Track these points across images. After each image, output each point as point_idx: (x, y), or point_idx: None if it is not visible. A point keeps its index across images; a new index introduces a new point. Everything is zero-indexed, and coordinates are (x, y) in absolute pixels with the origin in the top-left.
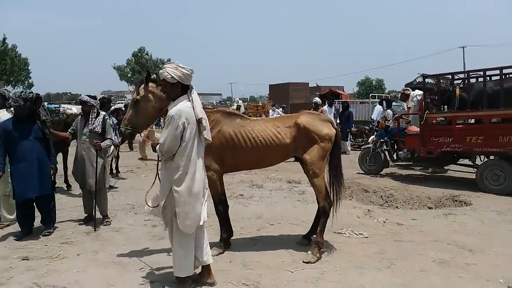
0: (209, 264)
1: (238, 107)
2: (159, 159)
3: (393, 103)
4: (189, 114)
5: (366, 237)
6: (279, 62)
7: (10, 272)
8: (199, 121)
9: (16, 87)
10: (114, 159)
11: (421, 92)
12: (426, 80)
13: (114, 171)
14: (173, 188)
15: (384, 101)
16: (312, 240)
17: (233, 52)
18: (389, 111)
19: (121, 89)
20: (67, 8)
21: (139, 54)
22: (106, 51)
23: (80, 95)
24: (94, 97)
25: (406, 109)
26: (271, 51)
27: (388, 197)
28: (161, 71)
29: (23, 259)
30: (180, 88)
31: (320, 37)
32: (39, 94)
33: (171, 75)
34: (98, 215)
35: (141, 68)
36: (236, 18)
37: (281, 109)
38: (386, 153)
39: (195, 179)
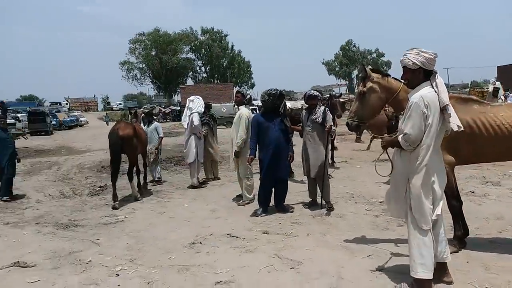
0: (446, 262)
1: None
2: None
3: None
4: (432, 101)
5: None
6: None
7: (256, 241)
8: (443, 109)
9: (241, 87)
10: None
11: None
12: None
13: (330, 161)
14: (410, 180)
15: None
16: None
17: (448, 34)
18: None
19: (329, 83)
20: (277, 9)
21: (347, 47)
22: (315, 48)
23: (292, 91)
24: (320, 92)
25: None
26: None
27: None
28: (401, 58)
29: (264, 233)
30: (423, 74)
31: None
32: (282, 91)
33: (412, 61)
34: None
35: (348, 61)
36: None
37: None
38: None
39: (434, 171)
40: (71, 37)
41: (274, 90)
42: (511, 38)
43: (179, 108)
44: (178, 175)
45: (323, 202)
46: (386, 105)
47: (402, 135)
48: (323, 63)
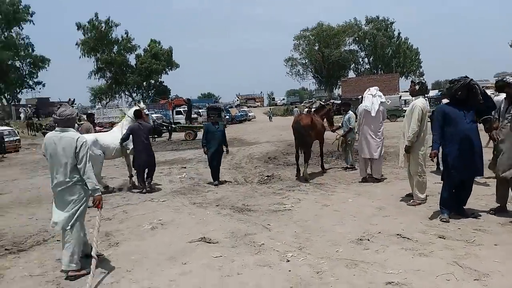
0: None
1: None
2: None
3: None
4: None
5: None
6: None
7: (430, 246)
8: None
9: (408, 77)
10: None
11: None
12: None
13: None
14: None
15: None
16: None
17: None
18: None
19: None
20: None
21: None
22: (501, 29)
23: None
24: None
25: None
26: None
27: None
28: None
29: (440, 237)
30: None
31: None
32: (470, 80)
33: None
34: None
35: None
36: None
37: None
38: None
39: None
40: (241, 40)
41: (462, 78)
42: None
43: (339, 101)
44: (340, 170)
45: None
46: None
47: None
48: (511, 45)
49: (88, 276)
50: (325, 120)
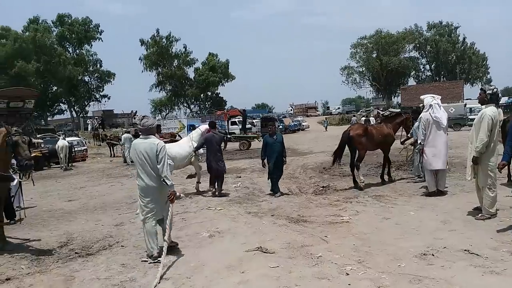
0: None
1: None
2: None
3: None
4: None
5: None
6: None
7: (503, 263)
8: None
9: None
10: None
11: None
12: None
13: None
14: None
15: None
16: None
17: None
18: None
19: None
20: None
21: None
22: None
23: None
24: None
25: None
26: None
27: None
28: None
29: None
30: None
31: None
32: None
33: None
34: None
35: None
36: None
37: None
38: None
39: None
40: (294, 48)
41: None
42: None
43: (398, 110)
44: (400, 181)
45: None
46: None
47: None
48: None
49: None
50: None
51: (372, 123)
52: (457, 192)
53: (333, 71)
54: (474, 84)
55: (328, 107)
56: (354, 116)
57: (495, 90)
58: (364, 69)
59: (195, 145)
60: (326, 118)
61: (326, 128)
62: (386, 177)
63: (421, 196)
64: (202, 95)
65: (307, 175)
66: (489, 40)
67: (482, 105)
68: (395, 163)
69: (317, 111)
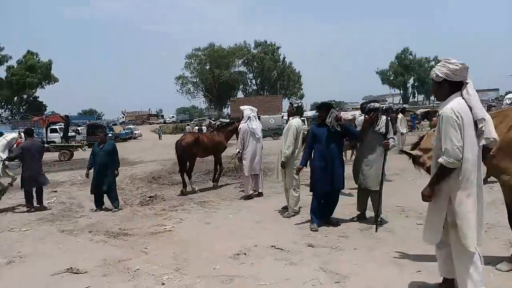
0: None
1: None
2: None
3: None
4: (464, 112)
5: None
6: None
7: (300, 254)
8: (476, 123)
9: (290, 98)
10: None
11: None
12: None
13: None
14: (454, 198)
15: None
16: None
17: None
18: None
19: (382, 93)
20: (330, 16)
21: (403, 56)
22: (368, 56)
23: (343, 101)
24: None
25: None
26: None
27: None
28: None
29: (309, 246)
30: (449, 86)
31: None
32: (327, 102)
33: (436, 73)
34: (369, 214)
35: (403, 70)
36: None
37: None
38: None
39: (474, 187)
40: (128, 54)
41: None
42: None
43: (228, 120)
44: (225, 186)
45: (374, 216)
46: None
47: (443, 153)
48: (377, 72)
49: None
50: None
51: (204, 131)
52: (271, 194)
53: (169, 80)
54: (290, 98)
55: (163, 116)
56: (188, 125)
57: (300, 104)
58: (198, 79)
59: (3, 156)
60: (160, 126)
61: (160, 137)
62: (214, 184)
63: (240, 199)
64: (15, 98)
65: (135, 185)
66: (303, 61)
67: (289, 116)
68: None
69: (159, 118)
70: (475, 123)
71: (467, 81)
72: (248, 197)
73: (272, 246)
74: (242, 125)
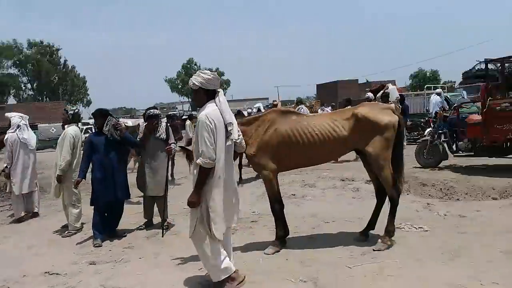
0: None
1: (258, 110)
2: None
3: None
4: (217, 117)
5: (426, 231)
6: (325, 60)
7: (79, 275)
8: (227, 126)
9: (76, 105)
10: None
11: None
12: (489, 66)
13: (170, 178)
14: (209, 195)
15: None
16: (388, 229)
17: (278, 55)
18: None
19: (172, 100)
20: (115, 25)
21: (189, 66)
22: (157, 65)
23: (134, 109)
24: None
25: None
26: (316, 50)
27: (448, 189)
28: None
29: (91, 264)
30: (204, 94)
31: (367, 31)
32: (102, 109)
33: (193, 82)
34: (157, 220)
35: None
36: (279, 21)
37: (330, 108)
38: (445, 144)
39: (227, 184)
40: None
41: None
42: (330, 62)
43: None
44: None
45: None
46: None
47: (200, 155)
48: (165, 80)
49: None
50: None
51: None
52: (49, 213)
53: None
54: (76, 105)
55: None
56: None
57: (76, 110)
58: None
59: None
60: None
61: None
62: None
63: (9, 224)
64: None
65: None
66: (90, 66)
67: (65, 124)
68: None
69: None
70: (226, 127)
71: (219, 90)
72: (19, 220)
73: (45, 273)
74: (10, 135)
